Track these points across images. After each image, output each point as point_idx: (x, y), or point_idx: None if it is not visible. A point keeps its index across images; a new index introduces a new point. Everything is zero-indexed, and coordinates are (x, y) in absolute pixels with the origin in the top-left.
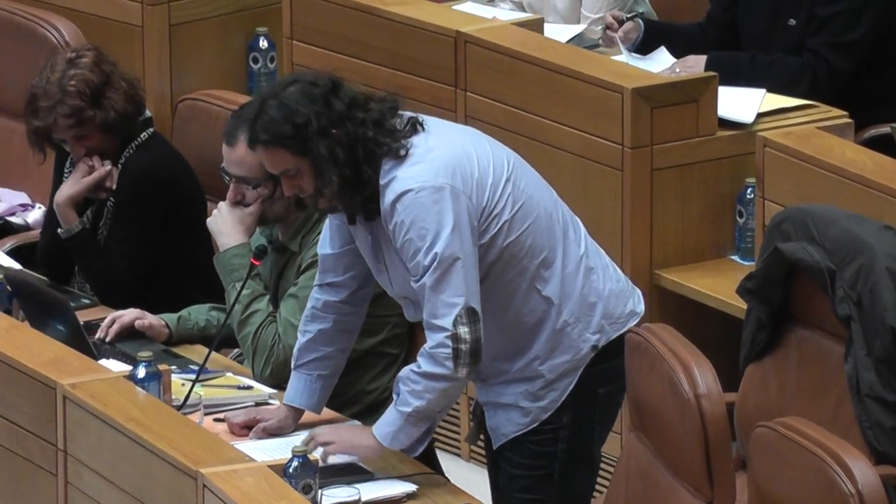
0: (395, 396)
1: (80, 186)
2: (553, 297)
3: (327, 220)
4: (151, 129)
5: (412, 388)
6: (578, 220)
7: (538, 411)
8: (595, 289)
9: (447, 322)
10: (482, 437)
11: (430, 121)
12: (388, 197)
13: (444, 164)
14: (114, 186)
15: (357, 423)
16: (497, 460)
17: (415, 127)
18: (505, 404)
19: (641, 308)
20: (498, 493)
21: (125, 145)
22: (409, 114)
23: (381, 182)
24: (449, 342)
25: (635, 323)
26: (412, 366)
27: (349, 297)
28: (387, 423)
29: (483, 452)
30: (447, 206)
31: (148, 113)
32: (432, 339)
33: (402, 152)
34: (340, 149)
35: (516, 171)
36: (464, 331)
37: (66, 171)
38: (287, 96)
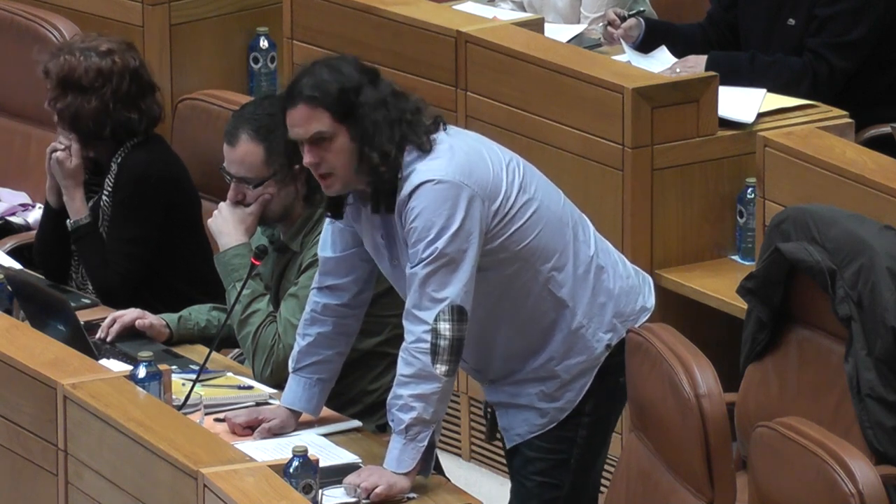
0: (391, 424)
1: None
2: (567, 300)
3: (327, 223)
4: None
5: (399, 404)
6: (587, 218)
7: (555, 412)
8: (606, 288)
9: (429, 316)
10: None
11: (449, 125)
12: (405, 189)
13: (463, 164)
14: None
15: (357, 422)
16: (516, 446)
17: (438, 125)
18: (520, 405)
19: (652, 303)
20: (513, 473)
21: (121, 144)
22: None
23: (402, 174)
24: (427, 337)
25: (646, 318)
26: (394, 383)
27: (350, 301)
28: (390, 450)
29: (483, 452)
30: (461, 205)
31: None
32: (411, 332)
33: (427, 146)
34: (385, 125)
35: (527, 176)
36: (444, 327)
37: None
38: (337, 63)
